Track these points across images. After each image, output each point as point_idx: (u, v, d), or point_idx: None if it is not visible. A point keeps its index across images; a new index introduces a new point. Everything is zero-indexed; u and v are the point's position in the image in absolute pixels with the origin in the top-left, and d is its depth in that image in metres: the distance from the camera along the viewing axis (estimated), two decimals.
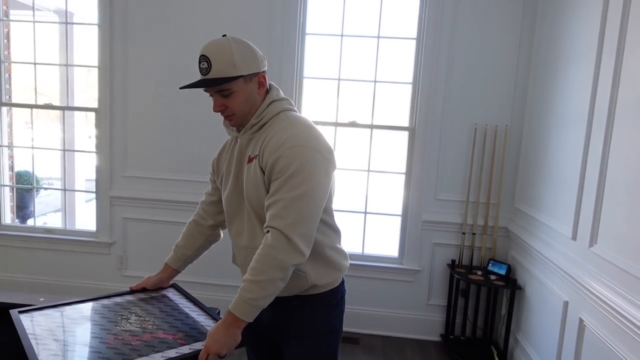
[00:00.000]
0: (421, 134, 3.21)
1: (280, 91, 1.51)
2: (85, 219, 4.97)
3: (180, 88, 1.44)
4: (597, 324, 2.06)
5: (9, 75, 3.68)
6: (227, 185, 1.52)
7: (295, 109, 1.53)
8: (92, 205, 3.66)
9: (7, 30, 3.73)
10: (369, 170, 3.39)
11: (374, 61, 3.27)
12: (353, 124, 3.34)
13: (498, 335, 3.22)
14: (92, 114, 3.51)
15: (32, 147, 3.79)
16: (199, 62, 1.37)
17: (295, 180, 1.31)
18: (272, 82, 1.50)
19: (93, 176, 3.56)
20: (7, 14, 3.75)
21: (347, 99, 3.37)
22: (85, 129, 5.01)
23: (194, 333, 1.39)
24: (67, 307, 1.48)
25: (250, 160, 1.43)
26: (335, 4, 3.27)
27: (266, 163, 1.36)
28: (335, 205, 1.54)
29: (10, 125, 3.79)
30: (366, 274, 3.34)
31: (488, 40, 3.10)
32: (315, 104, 3.46)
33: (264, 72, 1.44)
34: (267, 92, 1.47)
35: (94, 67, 3.40)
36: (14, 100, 3.75)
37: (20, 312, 1.41)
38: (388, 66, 3.29)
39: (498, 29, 3.09)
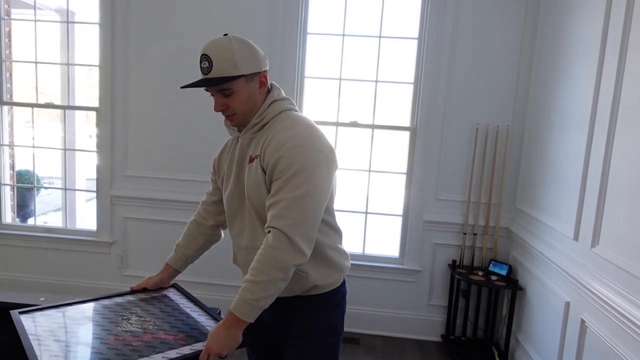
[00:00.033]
0: (422, 134, 3.20)
1: (282, 91, 1.50)
2: (86, 218, 4.97)
3: (182, 87, 1.44)
4: (599, 325, 2.05)
5: (10, 74, 3.68)
6: (228, 185, 1.52)
7: (297, 108, 1.52)
8: (93, 205, 3.66)
9: (8, 29, 3.73)
10: (369, 170, 3.38)
11: (376, 61, 3.26)
12: (354, 124, 3.33)
13: (499, 335, 3.21)
14: (93, 113, 3.51)
15: (33, 146, 3.78)
16: (200, 62, 1.36)
17: (297, 181, 1.30)
18: (273, 82, 1.50)
19: (94, 175, 3.56)
20: (8, 13, 3.74)
21: (349, 99, 3.36)
22: (86, 128, 5.01)
23: (195, 333, 1.39)
24: (68, 308, 1.48)
25: (251, 160, 1.42)
26: (337, 3, 3.26)
27: (267, 163, 1.35)
28: (336, 205, 1.53)
29: (11, 124, 3.79)
30: (367, 274, 3.33)
31: (490, 40, 3.10)
32: (316, 103, 3.46)
33: (265, 71, 1.43)
34: (269, 91, 1.47)
35: (95, 66, 3.40)
36: (15, 99, 3.75)
37: (20, 312, 1.40)
38: (389, 66, 3.28)
39: (500, 28, 3.08)
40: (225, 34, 1.39)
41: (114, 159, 3.43)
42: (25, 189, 5.40)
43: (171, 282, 1.72)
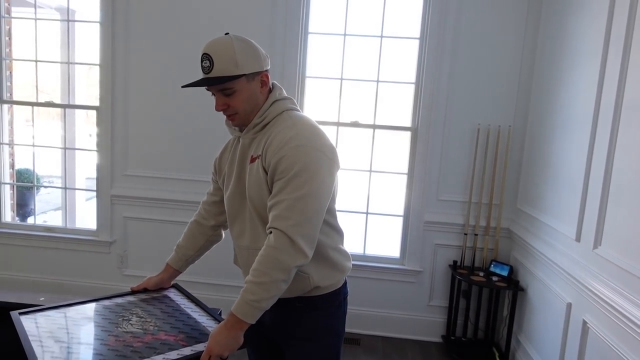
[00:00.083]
0: (424, 134, 3.19)
1: (283, 90, 1.50)
2: (86, 217, 4.97)
3: (183, 87, 1.43)
4: (601, 326, 2.04)
5: (10, 72, 3.67)
6: (229, 185, 1.51)
7: (299, 108, 1.51)
8: (93, 204, 3.65)
9: (8, 27, 3.72)
10: (370, 171, 3.38)
11: (377, 61, 3.25)
12: (355, 124, 3.32)
13: (500, 336, 3.20)
14: (93, 112, 3.50)
15: (33, 145, 3.77)
16: (201, 61, 1.35)
17: (299, 181, 1.29)
18: (275, 81, 1.49)
19: (93, 174, 3.55)
20: (8, 11, 3.74)
21: (350, 99, 3.35)
22: (86, 127, 5.00)
23: (196, 334, 1.38)
24: (68, 309, 1.47)
25: (252, 160, 1.41)
26: (338, 3, 3.25)
27: (269, 163, 1.34)
28: (337, 205, 1.52)
29: (11, 123, 3.78)
30: (367, 274, 3.33)
31: (491, 39, 3.09)
32: (317, 103, 3.45)
33: (266, 71, 1.43)
34: (270, 91, 1.46)
35: (96, 65, 3.38)
36: (15, 98, 3.74)
37: (20, 313, 1.39)
38: (391, 66, 3.27)
39: (502, 28, 3.07)
40: (227, 33, 1.38)
41: (114, 158, 3.42)
42: (25, 188, 5.39)
43: (172, 283, 1.71)
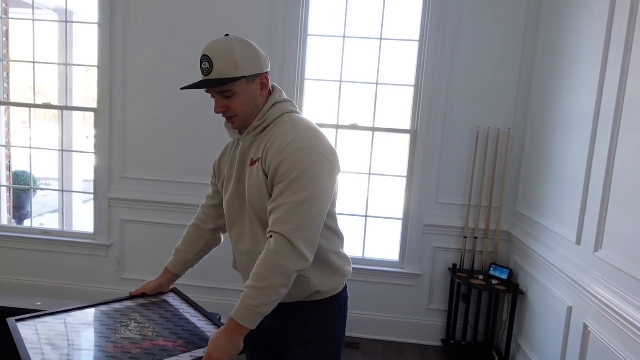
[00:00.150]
0: (423, 136, 3.18)
1: (284, 93, 1.48)
2: (83, 220, 4.94)
3: (182, 89, 1.41)
4: (602, 330, 2.03)
5: (8, 74, 3.65)
6: (228, 188, 1.49)
7: (299, 111, 1.50)
8: (90, 206, 3.62)
9: (6, 28, 3.70)
10: (370, 174, 3.36)
11: (376, 63, 3.25)
12: (354, 127, 3.31)
13: (499, 340, 3.19)
14: (90, 114, 3.48)
15: (30, 147, 3.75)
16: (201, 62, 1.34)
17: (299, 184, 1.28)
18: (275, 84, 1.48)
19: (91, 177, 3.52)
20: (6, 12, 3.72)
21: (349, 101, 3.34)
22: (83, 129, 4.98)
23: (195, 340, 1.36)
24: (65, 315, 1.45)
25: (252, 163, 1.40)
26: (338, 5, 3.24)
27: (269, 166, 1.33)
28: (336, 209, 1.51)
29: (7, 125, 3.75)
30: (367, 278, 3.31)
31: (491, 42, 3.08)
32: (316, 106, 3.44)
33: (266, 73, 1.41)
34: (270, 93, 1.45)
35: (94, 66, 3.37)
36: (12, 100, 3.71)
37: (17, 320, 1.37)
38: (390, 68, 3.27)
39: (501, 30, 3.07)
40: (227, 35, 1.37)
41: (112, 160, 3.40)
42: (21, 190, 5.35)
43: (171, 287, 1.69)
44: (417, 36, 3.18)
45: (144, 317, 1.46)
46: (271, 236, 1.28)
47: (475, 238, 3.20)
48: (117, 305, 1.53)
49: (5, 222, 3.75)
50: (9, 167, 3.85)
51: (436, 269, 3.30)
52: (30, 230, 3.66)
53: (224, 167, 1.54)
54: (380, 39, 3.23)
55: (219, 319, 1.56)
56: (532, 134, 3.02)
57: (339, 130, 3.31)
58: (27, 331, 1.32)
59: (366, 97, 3.31)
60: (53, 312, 1.44)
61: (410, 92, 3.26)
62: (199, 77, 1.36)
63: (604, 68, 2.17)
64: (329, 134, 3.20)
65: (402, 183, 3.33)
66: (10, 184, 3.89)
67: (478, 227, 3.19)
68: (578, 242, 2.30)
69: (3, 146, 3.67)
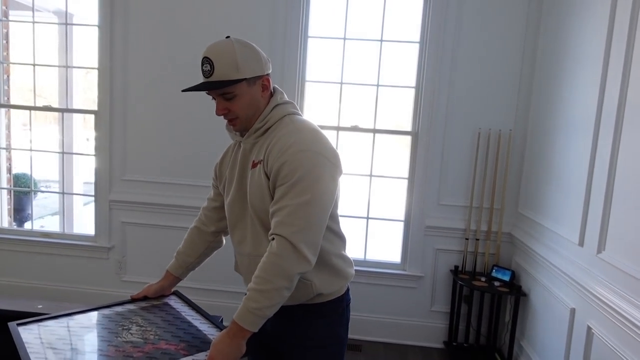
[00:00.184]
0: (424, 138, 3.18)
1: (285, 94, 1.48)
2: (84, 222, 4.92)
3: (183, 91, 1.40)
4: (606, 332, 2.02)
5: (8, 76, 3.64)
6: (230, 190, 1.49)
7: (300, 112, 1.49)
8: (90, 209, 3.61)
9: (6, 30, 3.69)
10: (371, 175, 3.36)
11: (377, 65, 3.24)
12: (355, 128, 3.31)
13: (502, 342, 3.18)
14: (90, 117, 3.47)
15: (31, 150, 3.74)
16: (202, 64, 1.33)
17: (301, 186, 1.27)
18: (276, 85, 1.47)
19: (91, 179, 3.52)
20: (6, 15, 3.71)
21: (350, 103, 3.34)
22: (83, 131, 4.98)
23: (197, 343, 1.35)
24: (67, 319, 1.44)
25: (254, 165, 1.39)
26: (338, 7, 3.24)
27: (271, 168, 1.32)
28: (338, 210, 1.50)
29: (8, 127, 3.74)
30: (368, 280, 3.30)
31: (492, 43, 3.08)
32: (317, 107, 3.43)
33: (268, 75, 1.41)
34: (271, 95, 1.44)
35: (94, 68, 3.36)
36: (12, 102, 3.71)
37: (18, 324, 1.36)
38: (391, 70, 3.26)
39: (502, 31, 3.07)
40: (228, 37, 1.36)
41: (113, 162, 3.39)
42: (22, 193, 5.35)
43: (172, 290, 1.68)
44: (417, 38, 3.18)
45: (145, 320, 1.46)
46: (273, 239, 1.27)
47: (477, 240, 3.19)
48: (118, 309, 1.52)
49: (5, 224, 3.74)
50: (9, 170, 3.84)
51: (438, 270, 3.29)
52: (31, 232, 3.66)
53: (225, 170, 1.54)
54: (381, 40, 3.22)
55: (221, 321, 1.55)
56: (534, 134, 3.01)
57: (340, 132, 3.30)
58: (29, 335, 1.31)
59: (367, 99, 3.30)
60: (54, 316, 1.44)
61: (411, 94, 3.25)
62: (200, 79, 1.35)
63: (606, 68, 2.17)
64: (329, 136, 3.19)
65: (404, 185, 3.32)
66: (10, 186, 3.89)
67: (480, 229, 3.18)
68: (581, 244, 2.29)
69: (3, 149, 3.67)
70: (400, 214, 3.36)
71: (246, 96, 1.36)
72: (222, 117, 1.40)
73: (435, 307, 3.32)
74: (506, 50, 3.08)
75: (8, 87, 3.64)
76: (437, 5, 3.06)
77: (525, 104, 3.10)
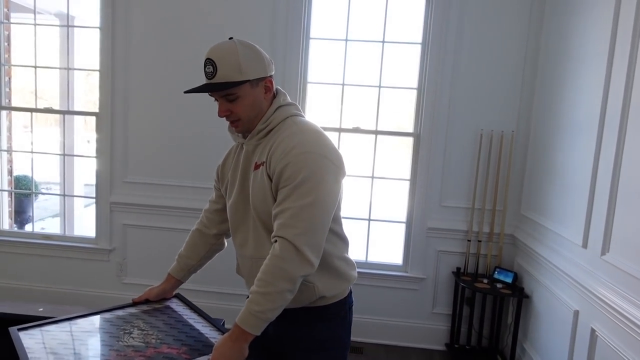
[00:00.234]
0: (426, 139, 3.17)
1: (287, 96, 1.47)
2: (84, 224, 4.92)
3: (185, 92, 1.40)
4: (610, 334, 2.01)
5: (9, 78, 3.64)
6: (232, 193, 1.48)
7: (303, 114, 1.49)
8: (91, 211, 3.61)
9: (7, 33, 3.69)
10: (372, 177, 3.35)
11: (379, 66, 3.23)
12: (357, 130, 3.30)
13: (504, 344, 3.16)
14: (91, 118, 3.47)
15: (32, 152, 3.74)
16: (205, 66, 1.33)
17: (304, 188, 1.26)
18: (279, 87, 1.46)
19: (92, 181, 3.51)
20: (7, 17, 3.71)
21: (351, 104, 3.33)
22: (84, 133, 4.98)
23: (199, 346, 1.34)
24: (68, 323, 1.43)
25: (256, 167, 1.39)
26: (340, 8, 3.23)
27: (274, 170, 1.31)
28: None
29: (9, 129, 3.74)
30: (370, 282, 3.29)
31: (494, 44, 3.07)
32: (319, 109, 3.42)
33: (271, 76, 1.40)
34: (274, 96, 1.43)
35: (95, 70, 3.36)
36: (13, 104, 3.71)
37: (19, 329, 1.35)
38: (393, 71, 3.25)
39: (504, 31, 3.06)
40: (231, 38, 1.35)
41: (114, 164, 3.39)
42: (23, 195, 5.34)
43: (174, 293, 1.67)
44: (419, 39, 3.17)
45: (147, 324, 1.44)
46: (276, 241, 1.26)
47: (479, 241, 3.18)
48: (120, 312, 1.51)
49: (6, 226, 3.73)
50: (10, 172, 3.84)
51: (440, 272, 3.28)
52: (32, 235, 3.65)
53: (227, 171, 1.53)
54: (383, 41, 3.22)
55: (223, 324, 1.54)
56: (536, 136, 3.00)
57: (342, 134, 3.29)
58: (30, 340, 1.30)
59: (369, 100, 3.30)
60: (55, 321, 1.42)
61: (413, 95, 3.24)
62: (201, 81, 1.34)
63: (610, 68, 2.15)
64: (331, 137, 3.19)
65: (405, 186, 3.31)
66: (11, 188, 3.88)
67: (482, 231, 3.17)
68: (584, 246, 2.27)
69: (4, 151, 3.66)
70: (402, 215, 3.35)
71: (249, 98, 1.35)
72: (225, 118, 1.39)
73: (437, 309, 3.31)
74: (508, 51, 3.07)
75: (9, 89, 3.63)
76: (439, 6, 3.06)
77: (528, 104, 3.09)
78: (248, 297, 1.30)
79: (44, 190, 7.28)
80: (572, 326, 2.34)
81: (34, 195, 4.54)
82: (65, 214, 4.28)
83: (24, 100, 4.43)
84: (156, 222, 3.39)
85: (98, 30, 3.29)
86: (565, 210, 2.52)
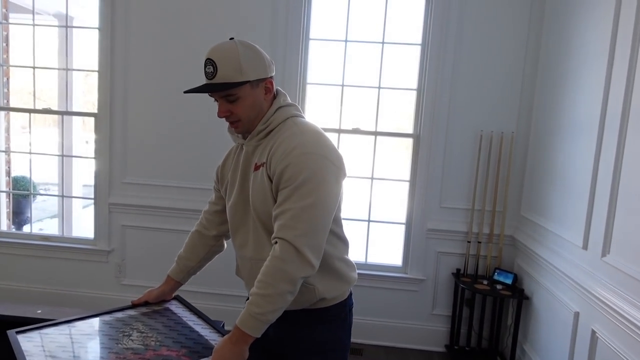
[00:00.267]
0: (426, 140, 3.16)
1: (288, 97, 1.46)
2: (83, 225, 4.91)
3: (185, 92, 1.39)
4: (611, 336, 2.00)
5: (7, 79, 3.63)
6: (231, 194, 1.47)
7: (303, 115, 1.48)
8: (90, 211, 3.59)
9: (6, 33, 3.68)
10: (372, 178, 3.34)
11: (378, 67, 3.23)
12: (357, 131, 3.29)
13: (504, 346, 3.16)
14: (89, 119, 3.46)
15: (30, 152, 3.72)
16: (205, 66, 1.32)
17: (305, 189, 1.26)
18: (279, 88, 1.46)
19: (90, 182, 3.50)
20: (6, 17, 3.70)
21: (351, 105, 3.33)
22: (82, 134, 4.96)
23: (199, 348, 1.33)
24: (67, 325, 1.41)
25: (257, 167, 1.38)
26: (340, 9, 3.23)
27: (274, 171, 1.31)
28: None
29: (7, 130, 3.73)
30: (369, 283, 3.28)
31: (494, 44, 3.07)
32: (318, 110, 3.42)
33: (271, 77, 1.39)
34: (274, 97, 1.43)
35: (94, 71, 3.35)
36: (11, 105, 3.69)
37: (17, 332, 1.34)
38: (392, 72, 3.25)
39: (504, 32, 3.06)
40: (231, 38, 1.35)
41: (113, 165, 3.37)
42: (21, 196, 5.33)
43: (173, 295, 1.66)
44: (419, 40, 3.17)
45: (146, 326, 1.43)
46: (276, 242, 1.25)
47: (479, 242, 3.17)
48: (119, 315, 1.50)
49: (4, 228, 3.72)
50: (8, 173, 3.82)
51: (440, 273, 3.27)
52: (30, 236, 3.63)
53: (227, 172, 1.52)
54: (382, 42, 3.21)
55: (223, 326, 1.53)
56: (536, 137, 3.00)
57: (341, 135, 3.28)
58: (28, 344, 1.29)
59: (368, 101, 3.29)
60: (54, 323, 1.41)
61: (412, 96, 3.24)
62: (201, 82, 1.34)
63: (610, 68, 2.15)
64: (331, 138, 3.19)
65: (405, 187, 3.31)
66: (9, 189, 3.86)
67: (482, 232, 3.16)
68: (585, 247, 2.27)
69: (3, 151, 3.65)
70: (402, 216, 3.34)
71: (249, 99, 1.35)
72: (224, 119, 1.39)
73: (437, 310, 3.30)
74: (508, 52, 3.07)
75: (8, 89, 3.62)
76: (438, 6, 3.05)
77: (528, 105, 3.09)
78: (248, 298, 1.30)
79: (42, 191, 7.26)
80: (572, 328, 2.33)
81: (32, 196, 4.52)
82: (64, 215, 4.26)
83: (22, 101, 4.42)
84: (155, 223, 3.38)
85: (97, 30, 3.28)
86: (566, 212, 2.51)
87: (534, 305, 2.84)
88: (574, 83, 2.53)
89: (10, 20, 3.84)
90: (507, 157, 3.11)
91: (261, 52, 1.36)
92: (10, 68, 3.71)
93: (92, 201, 3.49)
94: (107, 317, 1.48)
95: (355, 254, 3.16)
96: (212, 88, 1.32)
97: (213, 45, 1.33)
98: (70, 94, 3.93)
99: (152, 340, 1.35)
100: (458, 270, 3.21)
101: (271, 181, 1.33)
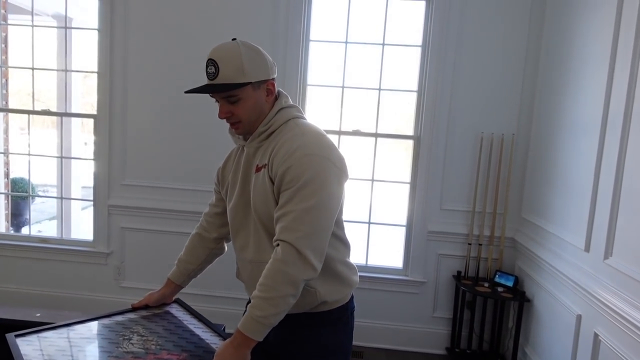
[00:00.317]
0: (426, 142, 3.15)
1: (289, 98, 1.45)
2: (82, 227, 4.89)
3: (186, 92, 1.38)
4: (614, 339, 1.99)
5: (6, 80, 3.61)
6: (232, 196, 1.46)
7: (305, 116, 1.47)
8: (89, 213, 3.58)
9: (4, 34, 3.67)
10: (372, 180, 3.33)
11: (379, 69, 3.22)
12: (357, 133, 3.28)
13: (505, 348, 3.14)
14: (88, 121, 3.44)
15: (29, 154, 3.71)
16: (206, 66, 1.31)
17: (307, 191, 1.25)
18: (280, 89, 1.45)
19: (89, 183, 3.48)
20: (5, 18, 3.69)
21: (351, 107, 3.32)
22: (81, 135, 4.95)
23: (200, 352, 1.32)
24: (66, 329, 1.40)
25: (258, 169, 1.37)
26: (340, 10, 3.22)
27: (276, 173, 1.29)
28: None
29: (6, 131, 3.71)
30: (370, 285, 3.26)
31: (494, 46, 3.06)
32: (318, 111, 3.41)
33: (273, 79, 1.38)
34: (276, 99, 1.42)
35: (93, 72, 3.33)
36: (10, 106, 3.68)
37: (16, 335, 1.32)
38: (393, 74, 3.24)
39: (504, 33, 3.05)
40: (234, 39, 1.33)
41: (112, 167, 3.36)
42: (19, 198, 5.31)
43: (174, 298, 1.65)
44: (419, 41, 3.16)
45: (146, 330, 1.42)
46: (278, 244, 1.24)
47: (480, 245, 3.16)
48: (119, 318, 1.48)
49: (3, 229, 3.70)
50: (7, 174, 3.81)
51: (440, 276, 3.26)
52: (29, 238, 3.61)
53: (228, 174, 1.51)
54: (383, 44, 3.20)
55: (224, 329, 1.52)
56: (537, 138, 2.99)
57: (342, 136, 3.27)
58: (27, 347, 1.27)
59: (369, 103, 3.28)
60: (54, 327, 1.40)
61: (413, 98, 3.23)
62: (201, 83, 1.32)
63: (612, 69, 2.14)
64: (331, 140, 3.18)
65: (405, 189, 3.29)
66: (8, 191, 3.85)
67: (483, 234, 3.15)
68: (587, 249, 2.26)
69: (1, 153, 3.63)
70: (402, 219, 3.33)
71: (250, 100, 1.34)
72: (225, 120, 1.37)
73: (438, 313, 3.29)
74: (509, 53, 3.06)
75: (6, 91, 3.61)
76: (439, 8, 3.05)
77: (529, 107, 3.08)
78: (249, 301, 1.28)
79: (40, 193, 7.23)
80: (574, 330, 2.32)
81: (30, 197, 4.51)
82: (63, 217, 4.25)
83: (20, 102, 4.41)
84: (155, 225, 3.36)
85: (96, 31, 3.27)
86: (567, 214, 2.50)
87: (536, 308, 2.83)
88: (576, 84, 2.53)
89: (9, 21, 3.83)
90: (507, 159, 3.11)
91: (263, 53, 1.35)
92: (9, 69, 3.69)
93: (91, 203, 3.47)
94: (106, 321, 1.47)
95: (355, 256, 3.15)
96: (214, 89, 1.31)
97: (215, 46, 1.32)
98: (69, 95, 3.91)
99: (153, 344, 1.34)
100: (459, 272, 3.20)
101: (273, 183, 1.31)
